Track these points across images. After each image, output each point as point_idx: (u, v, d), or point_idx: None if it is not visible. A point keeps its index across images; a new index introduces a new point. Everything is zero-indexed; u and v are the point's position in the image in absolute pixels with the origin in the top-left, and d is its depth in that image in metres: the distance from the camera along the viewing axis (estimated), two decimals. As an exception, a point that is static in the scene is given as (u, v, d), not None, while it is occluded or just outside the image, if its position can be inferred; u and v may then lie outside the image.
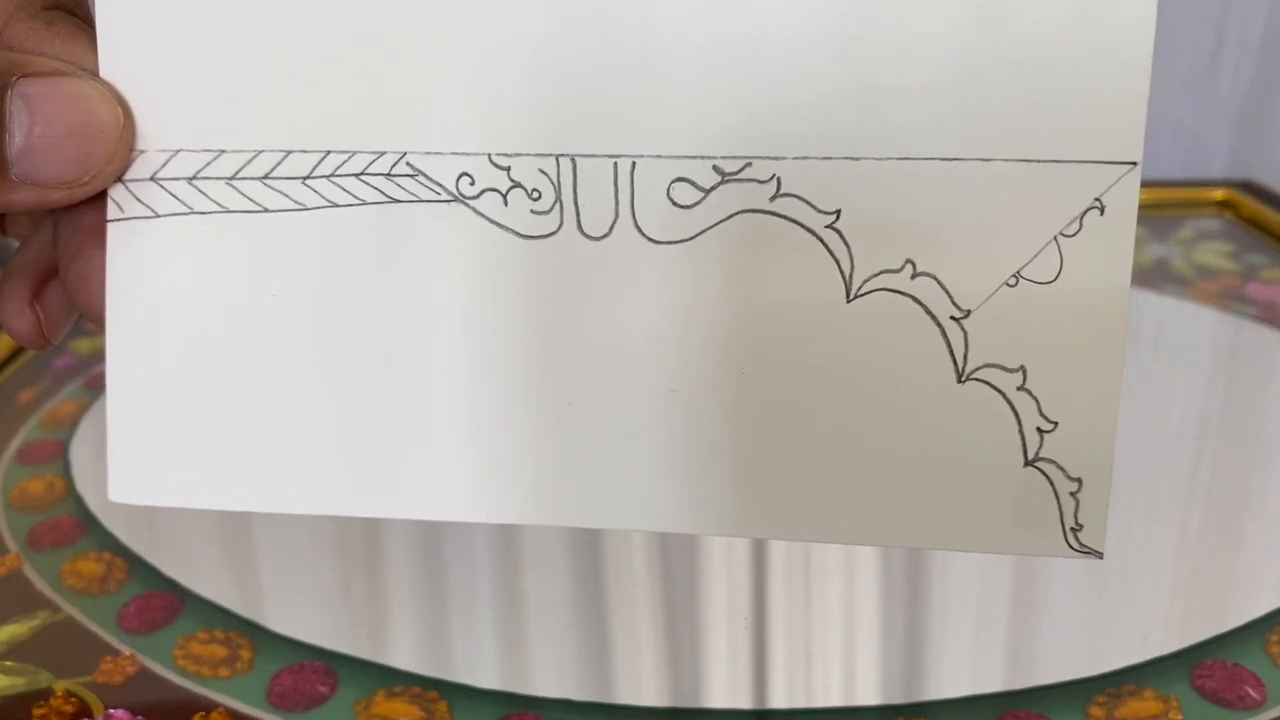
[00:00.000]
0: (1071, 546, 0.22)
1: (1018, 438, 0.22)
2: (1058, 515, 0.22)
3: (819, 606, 0.35)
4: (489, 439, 0.23)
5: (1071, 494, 0.22)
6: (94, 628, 0.33)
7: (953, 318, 0.22)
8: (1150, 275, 0.57)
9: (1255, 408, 0.46)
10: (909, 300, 0.22)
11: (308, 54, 0.22)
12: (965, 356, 0.22)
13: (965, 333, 0.22)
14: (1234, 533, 0.38)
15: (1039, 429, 0.22)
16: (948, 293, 0.22)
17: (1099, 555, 0.22)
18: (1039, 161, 0.21)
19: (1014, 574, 0.35)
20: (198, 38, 0.22)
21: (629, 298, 0.22)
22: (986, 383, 0.22)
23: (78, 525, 0.38)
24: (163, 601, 0.34)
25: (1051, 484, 0.22)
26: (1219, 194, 0.66)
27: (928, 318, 0.22)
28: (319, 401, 0.23)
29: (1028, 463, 0.22)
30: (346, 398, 0.23)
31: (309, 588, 0.36)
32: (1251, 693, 0.30)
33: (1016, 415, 0.22)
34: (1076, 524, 0.22)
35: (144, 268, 0.23)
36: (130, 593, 0.35)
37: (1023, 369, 0.22)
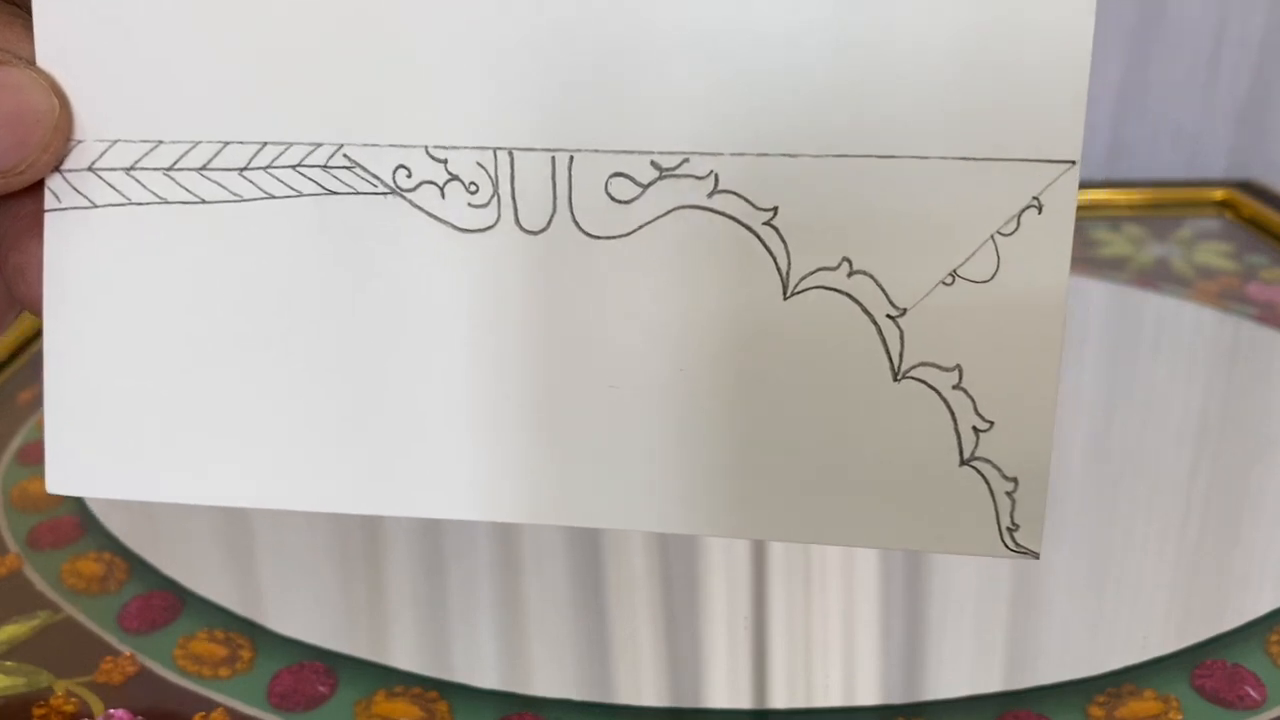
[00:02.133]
0: (1007, 546, 0.22)
1: (953, 436, 0.22)
2: (994, 515, 0.22)
3: (819, 606, 0.35)
4: (422, 432, 0.23)
5: (1008, 494, 0.22)
6: (94, 628, 0.33)
7: (889, 316, 0.22)
8: (1150, 275, 0.57)
9: (1255, 408, 0.46)
10: (845, 298, 0.22)
11: (244, 43, 0.22)
12: (901, 355, 0.22)
13: (901, 331, 0.22)
14: (1234, 532, 0.38)
15: (975, 428, 0.22)
16: (884, 291, 0.21)
17: (1035, 555, 0.22)
18: (976, 159, 0.21)
19: (1014, 574, 0.35)
20: (136, 27, 0.22)
21: (566, 293, 0.22)
22: (922, 381, 0.22)
23: (78, 525, 0.38)
24: (163, 601, 0.34)
25: (987, 483, 0.22)
26: (1219, 194, 0.66)
27: (864, 316, 0.22)
28: (255, 393, 0.23)
29: (963, 462, 0.22)
30: (281, 391, 0.23)
31: (309, 588, 0.36)
32: (1251, 693, 0.30)
33: (952, 414, 0.22)
34: (1013, 524, 0.22)
35: (82, 259, 0.23)
36: (130, 593, 0.35)
37: (959, 368, 0.22)
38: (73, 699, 0.30)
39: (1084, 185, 0.65)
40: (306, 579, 0.36)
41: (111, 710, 0.30)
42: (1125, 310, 0.55)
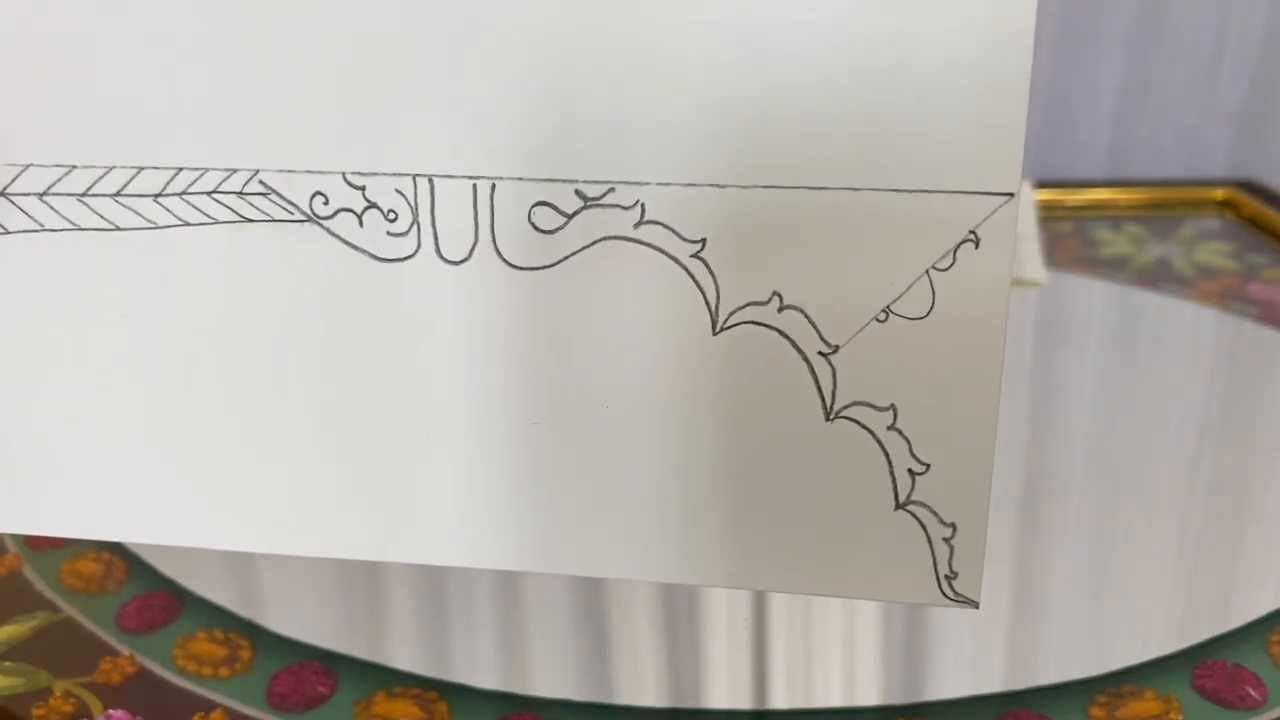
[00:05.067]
0: (945, 595, 0.21)
1: (888, 479, 0.21)
2: (931, 562, 0.21)
3: (819, 606, 0.35)
4: (338, 465, 0.22)
5: (945, 540, 0.21)
6: (93, 628, 0.33)
7: (820, 353, 0.21)
8: (1151, 275, 0.57)
9: (1256, 408, 0.46)
10: (776, 334, 0.21)
11: (160, 67, 0.21)
12: (834, 394, 0.21)
13: (834, 369, 0.21)
14: (1235, 533, 0.38)
15: (910, 471, 0.21)
16: (815, 327, 0.21)
17: (974, 605, 0.21)
18: (911, 191, 0.20)
19: (1014, 574, 0.35)
20: (47, 51, 0.22)
21: (489, 325, 0.21)
22: (856, 421, 0.21)
23: (77, 525, 0.38)
24: (162, 601, 0.34)
25: (924, 529, 0.21)
26: (1219, 193, 0.66)
27: (795, 353, 0.21)
28: (171, 427, 0.22)
29: (899, 506, 0.21)
30: (196, 423, 0.22)
31: (309, 588, 0.36)
32: (1252, 693, 0.30)
33: (887, 456, 0.21)
34: (951, 572, 0.21)
35: None
36: (129, 593, 0.35)
37: (893, 408, 0.21)
38: (71, 699, 0.30)
39: (1085, 185, 0.65)
40: (306, 579, 0.36)
41: (111, 710, 0.30)
42: (1125, 310, 0.55)
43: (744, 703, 0.31)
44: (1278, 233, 0.61)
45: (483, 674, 0.32)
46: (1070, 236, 0.61)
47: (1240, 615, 0.33)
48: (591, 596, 0.35)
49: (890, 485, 0.21)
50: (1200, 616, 0.33)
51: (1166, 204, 0.65)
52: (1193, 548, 0.37)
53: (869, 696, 0.31)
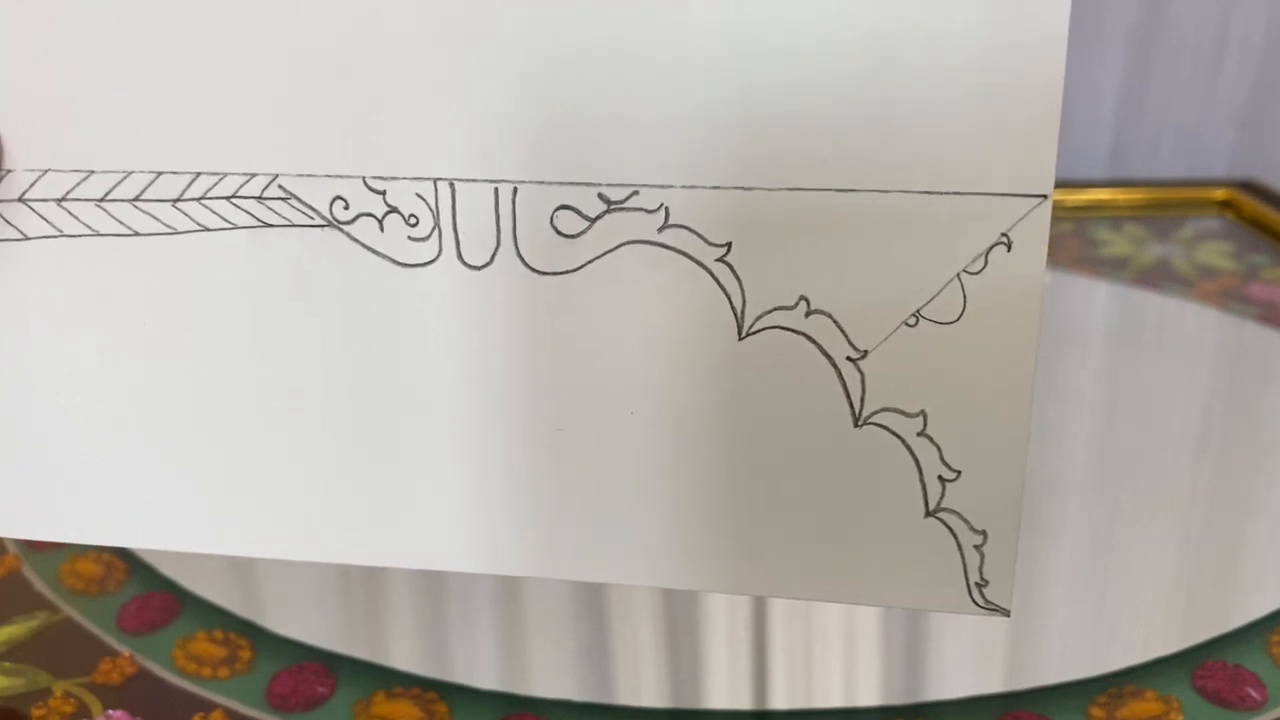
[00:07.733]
0: (976, 603, 0.21)
1: (918, 486, 0.21)
2: (961, 570, 0.21)
3: (819, 606, 0.35)
4: (355, 469, 0.22)
5: (976, 547, 0.21)
6: (93, 628, 0.33)
7: (849, 358, 0.20)
8: (1151, 275, 0.57)
9: (1256, 408, 0.46)
10: (803, 339, 0.21)
11: (177, 71, 0.21)
12: (862, 399, 0.21)
13: (862, 374, 0.20)
14: (1235, 533, 0.38)
15: (941, 477, 0.21)
16: (843, 332, 0.20)
17: (1005, 613, 0.21)
18: (941, 193, 0.20)
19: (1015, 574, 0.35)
20: (65, 55, 0.22)
21: (511, 331, 0.21)
22: (885, 427, 0.21)
23: (77, 525, 0.38)
24: (162, 602, 0.34)
25: (954, 536, 0.21)
26: (1220, 194, 0.66)
27: (823, 358, 0.21)
28: (188, 434, 0.22)
29: (929, 513, 0.21)
30: (213, 430, 0.22)
31: (308, 588, 0.36)
32: (1253, 693, 0.30)
33: (917, 463, 0.21)
34: (981, 579, 0.21)
35: (12, 293, 0.22)
36: (129, 593, 0.35)
37: (923, 414, 0.20)
38: (71, 699, 0.30)
39: (1085, 185, 0.65)
40: (305, 579, 0.36)
41: (110, 711, 0.30)
42: (1126, 310, 0.55)
43: (744, 703, 0.31)
44: (1278, 233, 0.61)
45: (483, 674, 0.32)
46: (1070, 236, 0.61)
47: (1240, 615, 0.33)
48: (591, 598, 0.35)
49: (920, 492, 0.21)
50: (1200, 617, 0.33)
51: (1167, 204, 0.65)
52: (1193, 548, 0.37)
53: (869, 696, 0.31)
